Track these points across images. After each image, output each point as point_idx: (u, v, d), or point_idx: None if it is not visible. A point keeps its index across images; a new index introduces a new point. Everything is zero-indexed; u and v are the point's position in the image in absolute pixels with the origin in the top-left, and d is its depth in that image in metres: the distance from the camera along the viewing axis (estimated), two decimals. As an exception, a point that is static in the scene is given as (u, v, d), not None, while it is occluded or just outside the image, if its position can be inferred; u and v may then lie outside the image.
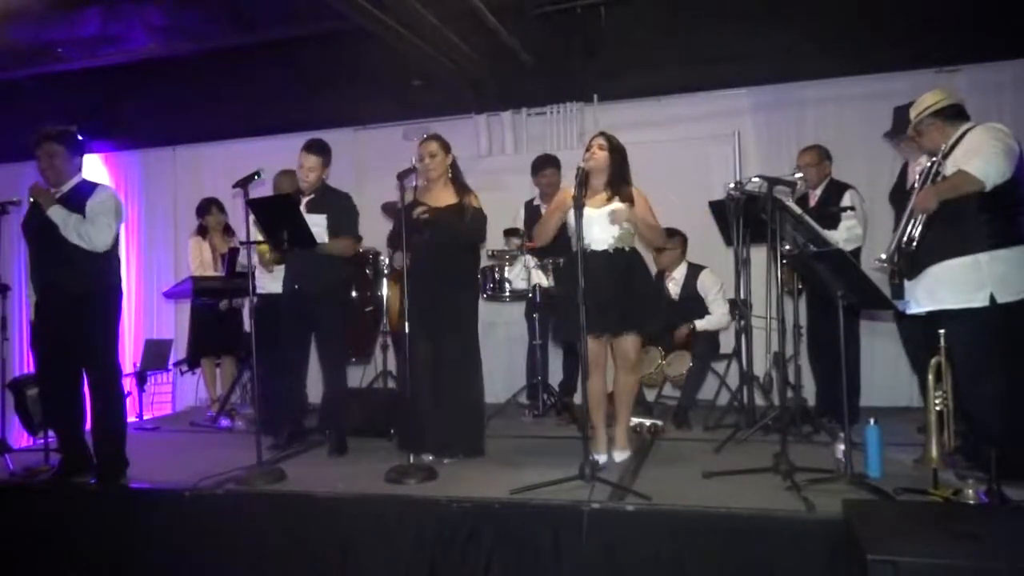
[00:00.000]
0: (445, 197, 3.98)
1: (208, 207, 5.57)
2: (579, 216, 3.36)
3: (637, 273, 3.74)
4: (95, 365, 3.77)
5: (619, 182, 3.72)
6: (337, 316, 4.29)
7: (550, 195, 5.27)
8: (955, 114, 3.42)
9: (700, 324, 4.82)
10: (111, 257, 3.81)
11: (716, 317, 4.86)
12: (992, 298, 3.20)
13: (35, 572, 3.64)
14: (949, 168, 3.29)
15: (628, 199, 3.69)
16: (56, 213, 3.62)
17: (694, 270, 4.97)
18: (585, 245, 3.51)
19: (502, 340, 5.67)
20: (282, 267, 4.39)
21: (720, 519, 2.94)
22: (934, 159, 3.39)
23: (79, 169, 3.85)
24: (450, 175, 4.03)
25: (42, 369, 3.85)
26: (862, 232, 4.43)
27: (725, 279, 4.84)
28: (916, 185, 3.60)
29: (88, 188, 3.77)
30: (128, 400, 4.76)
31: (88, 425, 3.83)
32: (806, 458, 3.38)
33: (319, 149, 4.32)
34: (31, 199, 3.77)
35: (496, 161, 5.86)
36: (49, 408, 3.94)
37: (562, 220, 3.77)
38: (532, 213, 5.29)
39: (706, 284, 4.90)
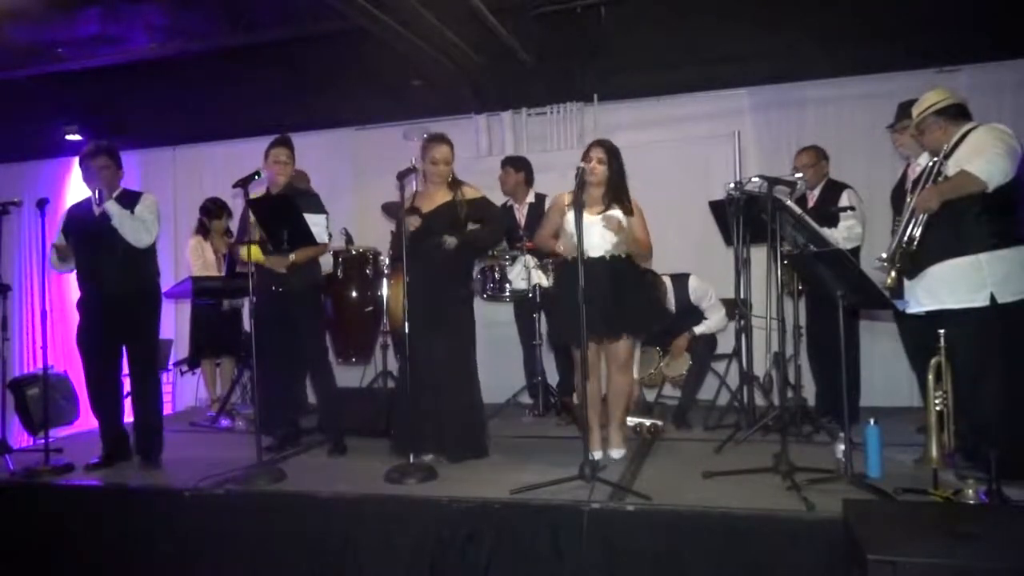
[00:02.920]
0: (440, 197, 4.00)
1: (220, 212, 5.56)
2: (579, 216, 3.36)
3: (631, 279, 3.75)
4: (140, 359, 4.13)
5: (618, 191, 3.74)
6: (316, 315, 4.32)
7: (509, 194, 5.33)
8: (958, 113, 3.41)
9: (699, 330, 4.76)
10: (152, 259, 4.18)
11: (714, 322, 4.78)
12: (992, 298, 3.20)
13: (36, 572, 3.65)
14: (951, 168, 3.29)
15: (626, 210, 3.71)
16: (113, 206, 3.99)
17: (681, 280, 4.79)
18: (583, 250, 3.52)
19: (502, 340, 5.66)
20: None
21: (720, 519, 2.94)
22: (935, 159, 3.39)
23: (121, 179, 4.25)
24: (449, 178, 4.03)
25: (90, 363, 4.11)
26: (862, 231, 4.44)
27: (725, 279, 4.81)
28: (911, 185, 3.61)
29: (132, 194, 4.17)
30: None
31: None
32: (806, 458, 3.38)
33: (290, 142, 4.34)
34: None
35: (496, 161, 5.84)
36: (95, 400, 4.15)
37: (558, 224, 3.79)
38: (505, 214, 5.30)
39: (698, 292, 4.77)
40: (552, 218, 3.87)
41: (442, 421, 3.88)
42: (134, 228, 4.00)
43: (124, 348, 4.16)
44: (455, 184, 4.03)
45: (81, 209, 4.16)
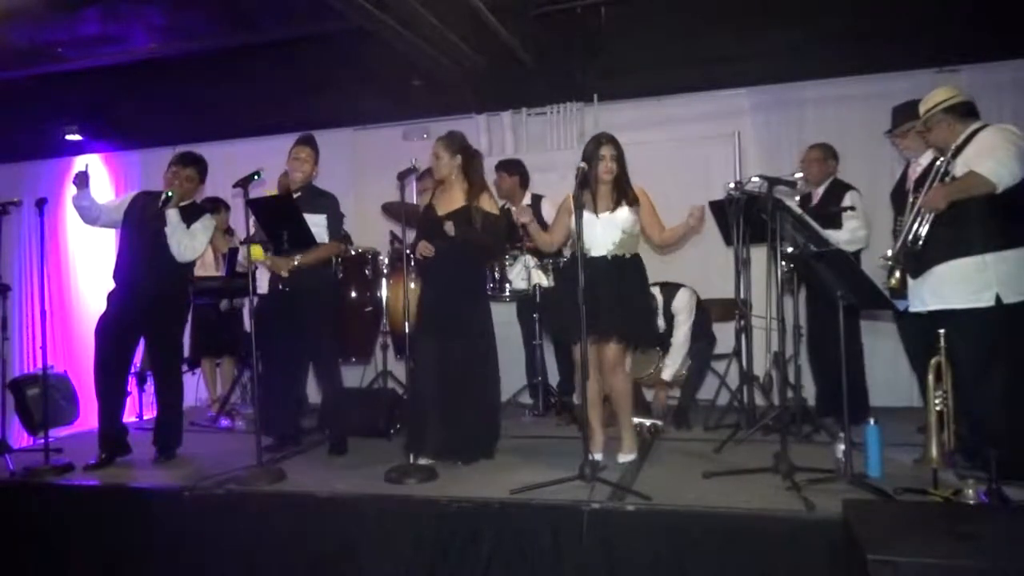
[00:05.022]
0: (456, 199, 3.93)
1: (217, 208, 5.56)
2: (579, 216, 3.37)
3: (632, 282, 3.73)
4: (163, 358, 4.28)
5: (624, 186, 3.73)
6: (326, 315, 4.30)
7: (505, 197, 5.26)
8: (967, 112, 3.40)
9: (665, 376, 4.70)
10: (188, 267, 4.34)
11: (675, 346, 4.64)
12: (998, 298, 3.20)
13: (35, 572, 3.65)
14: (959, 168, 3.27)
15: (633, 202, 3.70)
16: (173, 215, 4.11)
17: (669, 292, 4.70)
18: (586, 249, 3.52)
19: (502, 340, 5.63)
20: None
21: (720, 519, 2.94)
22: (941, 158, 3.37)
23: (199, 194, 4.49)
24: (462, 175, 3.95)
25: (105, 351, 4.12)
26: (866, 234, 4.40)
27: (725, 279, 4.80)
28: (913, 185, 3.60)
29: (198, 209, 4.33)
30: (128, 399, 4.79)
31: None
32: (806, 458, 3.37)
33: (313, 142, 4.36)
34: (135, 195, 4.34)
35: (496, 161, 5.85)
36: (101, 389, 4.14)
37: (568, 225, 3.78)
38: (507, 232, 5.29)
39: (678, 305, 4.67)
40: (562, 219, 3.82)
41: (459, 424, 3.85)
42: (182, 242, 4.12)
43: (143, 345, 4.37)
44: (477, 190, 3.94)
45: (145, 201, 4.25)
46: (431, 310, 3.84)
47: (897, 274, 3.39)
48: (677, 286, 4.74)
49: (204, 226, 4.25)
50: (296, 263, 4.08)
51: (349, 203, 6.13)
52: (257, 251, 4.17)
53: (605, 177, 3.66)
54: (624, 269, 3.70)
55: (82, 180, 4.17)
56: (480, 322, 3.99)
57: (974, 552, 2.26)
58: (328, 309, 4.35)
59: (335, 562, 3.23)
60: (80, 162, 7.01)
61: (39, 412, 4.96)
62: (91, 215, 4.28)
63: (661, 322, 4.70)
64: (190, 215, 4.21)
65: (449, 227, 3.79)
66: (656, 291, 4.65)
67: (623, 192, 3.71)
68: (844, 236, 4.32)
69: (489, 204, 3.94)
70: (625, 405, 3.84)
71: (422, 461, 3.71)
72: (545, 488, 3.19)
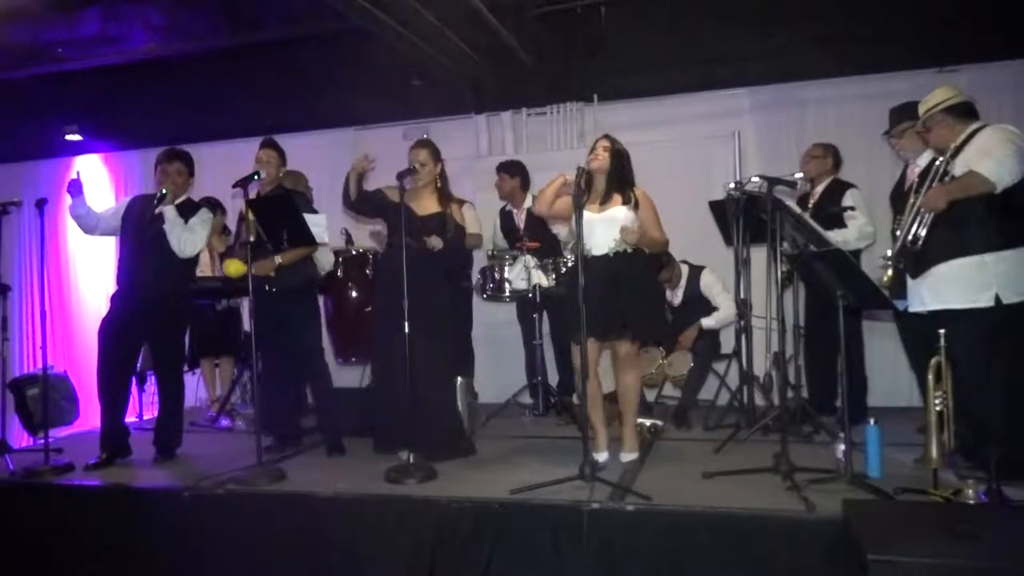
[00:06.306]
0: (429, 205, 4.01)
1: (214, 210, 5.55)
2: (579, 216, 3.36)
3: (637, 276, 3.71)
4: (164, 359, 4.30)
5: (622, 185, 3.72)
6: (311, 314, 4.32)
7: (506, 199, 5.34)
8: (966, 112, 3.40)
9: (707, 323, 4.77)
10: (192, 267, 4.37)
11: (724, 312, 4.79)
12: (997, 298, 3.20)
13: (36, 572, 3.65)
14: (959, 168, 3.27)
15: (630, 201, 3.69)
16: (169, 212, 4.16)
17: (695, 271, 4.92)
18: (587, 250, 3.51)
19: (502, 340, 5.66)
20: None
21: (720, 519, 2.94)
22: (940, 158, 3.37)
23: (190, 187, 4.45)
24: (437, 184, 4.05)
25: (107, 353, 4.13)
26: (873, 230, 4.42)
27: (725, 279, 4.83)
28: (914, 185, 3.60)
29: (193, 205, 4.34)
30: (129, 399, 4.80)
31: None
32: (806, 458, 3.37)
33: (275, 144, 4.39)
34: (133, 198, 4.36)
35: (496, 161, 5.85)
36: (104, 391, 4.15)
37: (564, 210, 3.74)
38: (505, 219, 5.31)
39: (708, 282, 4.87)
40: (551, 187, 3.75)
41: (420, 421, 3.82)
42: (181, 237, 4.15)
43: (145, 347, 4.41)
44: (448, 198, 4.05)
45: (141, 203, 4.27)
46: (391, 307, 3.79)
47: (889, 271, 3.40)
48: (700, 267, 4.92)
49: (202, 220, 4.27)
50: (279, 262, 4.07)
51: (349, 203, 6.15)
52: (234, 267, 4.12)
53: (595, 165, 3.66)
54: (628, 264, 3.67)
55: (75, 188, 4.17)
56: (440, 318, 3.98)
57: (974, 552, 2.26)
58: (312, 309, 4.37)
59: (335, 562, 3.23)
60: (80, 163, 7.08)
61: (39, 412, 4.96)
62: (89, 223, 4.28)
63: (679, 296, 4.85)
64: (187, 211, 4.23)
65: (436, 242, 3.86)
66: (684, 268, 4.89)
67: (619, 189, 3.70)
68: (853, 235, 4.35)
69: (460, 214, 4.04)
70: (633, 404, 3.84)
71: (402, 455, 3.71)
72: (545, 488, 3.19)
